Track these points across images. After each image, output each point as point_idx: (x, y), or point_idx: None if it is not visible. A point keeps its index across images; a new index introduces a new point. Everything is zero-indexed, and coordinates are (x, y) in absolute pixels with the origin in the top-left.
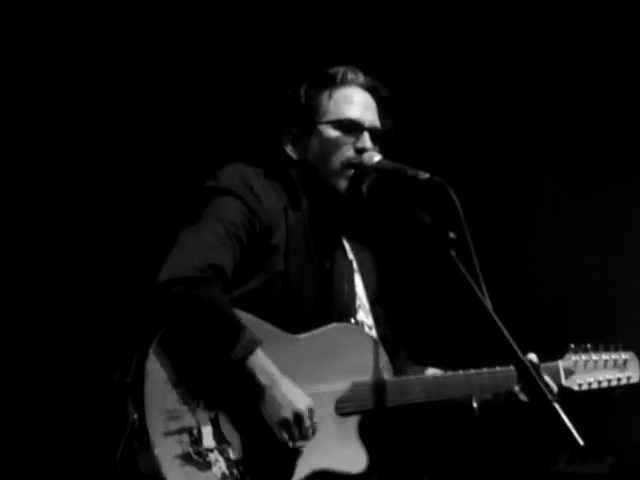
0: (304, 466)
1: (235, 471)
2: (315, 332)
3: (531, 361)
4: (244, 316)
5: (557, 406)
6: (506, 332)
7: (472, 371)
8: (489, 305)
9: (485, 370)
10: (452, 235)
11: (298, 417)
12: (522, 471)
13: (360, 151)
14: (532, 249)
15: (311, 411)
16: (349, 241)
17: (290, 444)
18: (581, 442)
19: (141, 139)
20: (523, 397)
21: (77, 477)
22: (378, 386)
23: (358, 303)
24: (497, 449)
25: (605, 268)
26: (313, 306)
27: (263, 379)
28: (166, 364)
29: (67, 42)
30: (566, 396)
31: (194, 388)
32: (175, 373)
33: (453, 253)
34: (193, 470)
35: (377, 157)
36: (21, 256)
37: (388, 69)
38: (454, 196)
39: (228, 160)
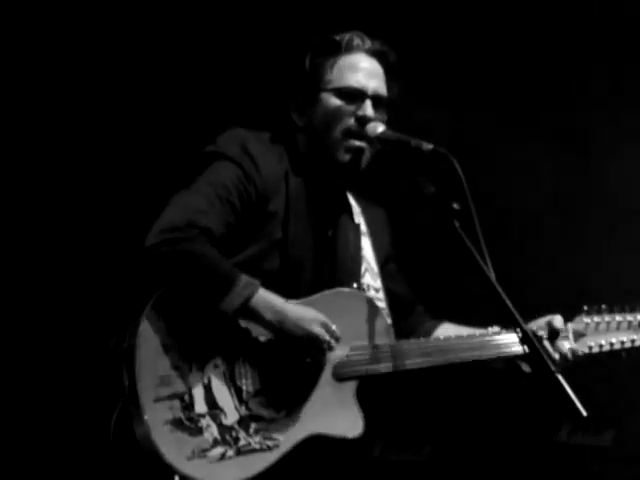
0: (301, 430)
1: (228, 436)
2: (313, 297)
3: (534, 332)
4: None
5: (560, 377)
6: (509, 303)
7: (476, 334)
8: (492, 276)
9: (489, 332)
10: (456, 206)
11: (324, 324)
12: (524, 442)
13: (361, 119)
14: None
15: (325, 324)
16: (360, 201)
17: (331, 343)
18: (584, 413)
19: (146, 105)
20: (526, 368)
21: (74, 441)
22: (375, 351)
23: (365, 267)
24: (499, 420)
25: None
26: (315, 273)
27: (269, 314)
28: (159, 329)
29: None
30: (577, 359)
31: (187, 353)
32: (168, 338)
33: (457, 224)
34: (184, 436)
35: (381, 127)
36: (14, 237)
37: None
38: (458, 167)
39: (238, 124)
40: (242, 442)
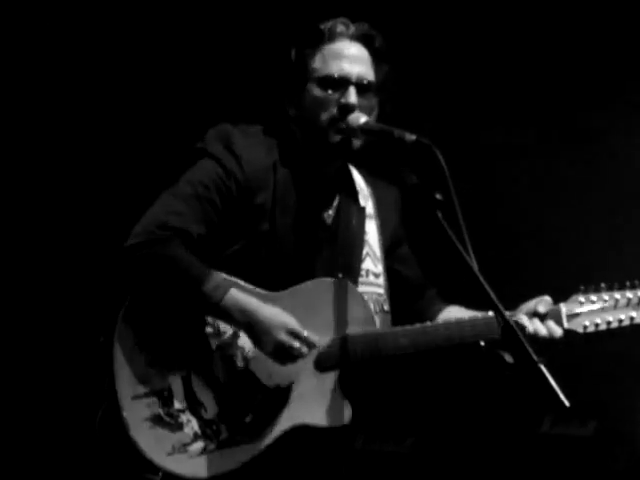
0: (284, 421)
1: (209, 430)
2: (296, 287)
3: (517, 322)
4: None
5: (543, 367)
6: (492, 293)
7: (452, 320)
8: (475, 266)
9: (466, 318)
10: (438, 196)
11: (292, 332)
12: (507, 432)
13: (343, 107)
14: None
15: (294, 332)
16: (371, 181)
17: (299, 356)
18: (567, 403)
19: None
20: (508, 358)
21: (65, 439)
22: (357, 341)
23: (366, 251)
24: (482, 410)
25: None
26: (312, 261)
27: (239, 316)
28: (135, 327)
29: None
30: (571, 339)
31: (164, 350)
32: (144, 336)
33: (439, 214)
34: (164, 432)
35: (363, 118)
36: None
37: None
38: (441, 157)
39: (234, 117)
40: (223, 435)
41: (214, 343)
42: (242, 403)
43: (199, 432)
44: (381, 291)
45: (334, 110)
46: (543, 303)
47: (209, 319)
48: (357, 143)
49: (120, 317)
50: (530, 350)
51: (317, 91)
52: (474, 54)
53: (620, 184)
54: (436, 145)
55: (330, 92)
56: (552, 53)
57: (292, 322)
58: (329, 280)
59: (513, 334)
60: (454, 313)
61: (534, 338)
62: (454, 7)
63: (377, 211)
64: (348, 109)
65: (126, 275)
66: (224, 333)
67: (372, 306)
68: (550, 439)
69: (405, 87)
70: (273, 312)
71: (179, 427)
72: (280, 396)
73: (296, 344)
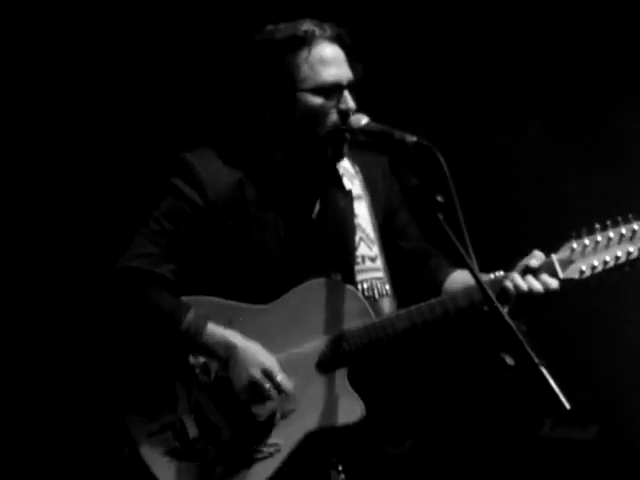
0: (299, 429)
1: (228, 453)
2: (286, 295)
3: (519, 325)
4: (206, 300)
5: (544, 370)
6: (494, 298)
7: (445, 296)
8: (476, 268)
9: (460, 289)
10: (439, 198)
11: (265, 372)
12: (508, 435)
13: (344, 113)
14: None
15: (269, 373)
16: (358, 156)
17: (267, 398)
18: (568, 406)
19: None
20: (509, 360)
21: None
22: (356, 335)
23: (359, 236)
24: (483, 412)
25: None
26: (301, 266)
27: (221, 351)
28: (134, 367)
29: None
30: (571, 287)
31: (167, 383)
32: (145, 373)
33: (440, 216)
34: (184, 463)
35: (364, 120)
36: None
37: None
38: (442, 159)
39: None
40: (243, 455)
41: (213, 369)
42: (251, 422)
43: (219, 456)
44: (380, 275)
45: (333, 117)
46: (534, 258)
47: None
48: (345, 151)
49: (119, 357)
50: (531, 352)
51: (313, 100)
52: (475, 52)
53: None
54: (437, 146)
55: (326, 100)
56: (553, 52)
57: (270, 362)
58: (319, 280)
59: (514, 337)
60: (460, 278)
61: (530, 296)
62: (456, 5)
63: (366, 188)
64: (349, 114)
65: (107, 318)
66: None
67: (373, 293)
68: (551, 441)
69: (404, 85)
70: (254, 350)
71: (197, 456)
72: (292, 407)
73: (267, 385)
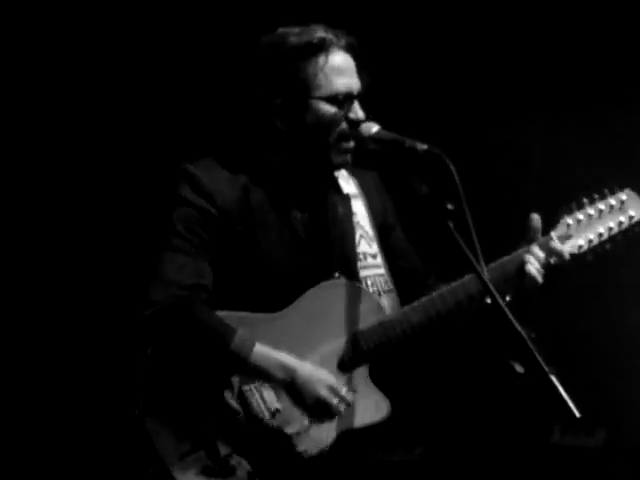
0: (329, 434)
1: (261, 465)
2: (297, 301)
3: (529, 334)
4: (223, 314)
5: (553, 377)
6: (503, 304)
7: (453, 284)
8: (487, 276)
9: (466, 278)
10: (450, 206)
11: (331, 388)
12: (517, 442)
13: (353, 122)
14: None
15: (334, 389)
16: (350, 169)
17: (336, 414)
18: (577, 414)
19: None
20: (519, 368)
21: None
22: (370, 333)
23: (360, 234)
24: (492, 420)
25: None
26: (309, 268)
27: (280, 374)
28: (158, 388)
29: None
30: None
31: (194, 400)
32: (172, 393)
33: (451, 224)
34: None
35: (375, 128)
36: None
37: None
38: (452, 167)
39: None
40: (275, 467)
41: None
42: (285, 429)
43: (252, 470)
44: (381, 271)
45: (343, 125)
46: (535, 228)
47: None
48: (350, 160)
49: (142, 381)
50: (541, 360)
51: (326, 108)
52: (480, 54)
53: None
54: (447, 154)
55: (338, 109)
56: (555, 51)
57: (332, 379)
58: (327, 283)
59: (524, 345)
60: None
61: (554, 267)
62: (461, 7)
63: (360, 189)
64: (358, 123)
65: (152, 342)
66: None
67: (376, 289)
68: (560, 449)
69: (409, 91)
70: (314, 368)
71: (232, 472)
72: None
73: (335, 401)
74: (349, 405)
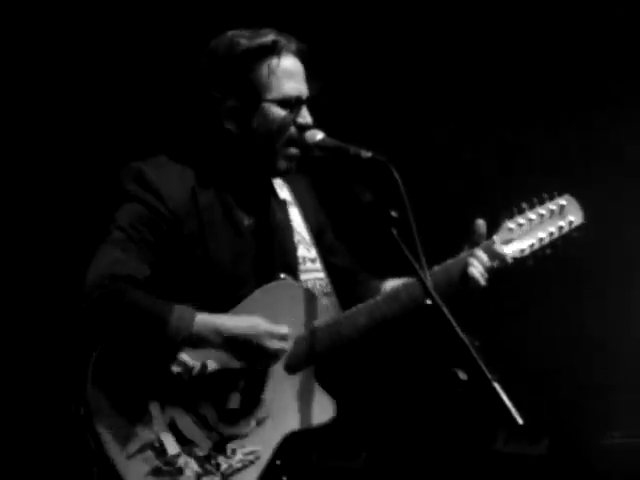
0: (275, 433)
1: (209, 466)
2: (245, 301)
3: (472, 341)
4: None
5: (496, 385)
6: (446, 310)
7: (399, 286)
8: (430, 284)
9: (411, 281)
10: (394, 214)
11: (273, 334)
12: (460, 450)
13: (301, 127)
14: None
15: (270, 333)
16: (284, 179)
17: (284, 348)
18: (520, 421)
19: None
20: (462, 375)
21: None
22: (317, 334)
23: (297, 239)
24: (436, 427)
25: None
26: (254, 271)
27: (215, 338)
28: (106, 387)
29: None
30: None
31: (141, 402)
32: (118, 393)
33: (395, 231)
34: None
35: (319, 135)
36: None
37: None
38: (397, 175)
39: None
40: (224, 466)
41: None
42: (230, 430)
43: (200, 470)
44: (321, 275)
45: (291, 129)
46: (479, 233)
47: (176, 358)
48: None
49: (88, 380)
50: (484, 368)
51: (276, 111)
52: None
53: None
54: (392, 162)
55: (288, 112)
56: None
57: (267, 325)
58: (273, 284)
59: (467, 352)
60: (393, 285)
61: (497, 271)
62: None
63: (294, 197)
64: (306, 128)
65: (90, 333)
66: (193, 368)
67: (316, 292)
68: (504, 456)
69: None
70: (244, 320)
71: (180, 472)
72: (263, 412)
73: (280, 345)
74: (284, 339)
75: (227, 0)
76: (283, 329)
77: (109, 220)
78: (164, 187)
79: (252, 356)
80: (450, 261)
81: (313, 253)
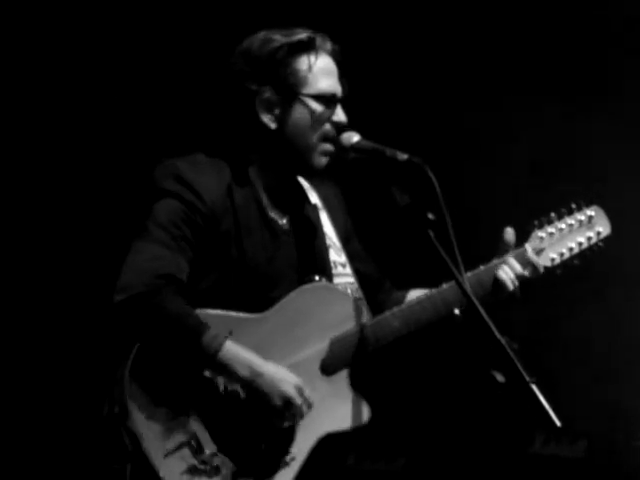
0: (310, 435)
1: (245, 465)
2: (281, 302)
3: (510, 342)
4: (205, 312)
5: (534, 387)
6: (485, 314)
7: (432, 292)
8: (468, 287)
9: (444, 287)
10: (431, 216)
11: (297, 387)
12: (498, 452)
13: (337, 125)
14: None
15: (300, 389)
16: (314, 184)
17: (302, 408)
18: (558, 423)
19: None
20: (500, 378)
21: None
22: (355, 335)
23: (328, 243)
24: (474, 430)
25: None
26: (286, 272)
27: (243, 372)
28: (146, 385)
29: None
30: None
31: (179, 400)
32: (156, 392)
33: (431, 234)
34: (203, 479)
35: (356, 137)
36: None
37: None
38: (433, 177)
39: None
40: (259, 467)
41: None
42: (264, 432)
43: (237, 470)
44: (352, 280)
45: (327, 126)
46: (509, 243)
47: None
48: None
49: (126, 378)
50: (522, 369)
51: (313, 106)
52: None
53: None
54: (428, 164)
55: (323, 108)
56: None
57: (296, 379)
58: (309, 286)
59: (505, 355)
60: (417, 294)
61: (527, 279)
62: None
63: (323, 203)
64: (341, 127)
65: (122, 329)
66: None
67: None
68: (541, 459)
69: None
70: (278, 368)
71: (216, 471)
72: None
73: (299, 401)
74: (310, 407)
75: (255, 4)
76: (309, 393)
77: (145, 216)
78: (200, 183)
79: (273, 400)
80: (482, 268)
81: (343, 258)
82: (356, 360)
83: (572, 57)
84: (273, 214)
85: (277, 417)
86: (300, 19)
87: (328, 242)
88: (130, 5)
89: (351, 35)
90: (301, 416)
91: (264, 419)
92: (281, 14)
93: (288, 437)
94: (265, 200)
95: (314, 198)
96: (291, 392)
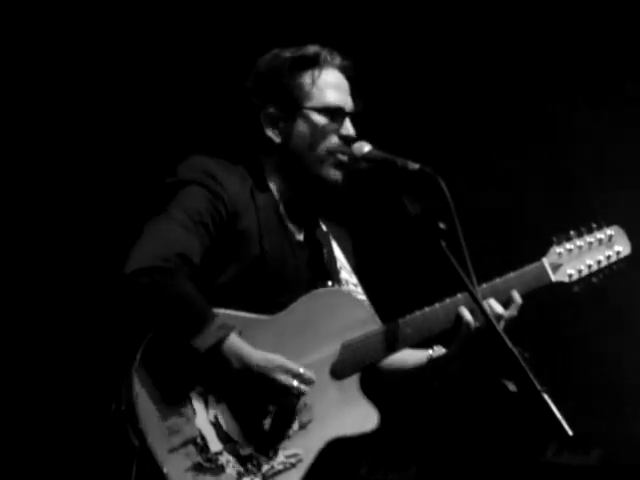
0: (318, 438)
1: (250, 465)
2: (293, 305)
3: (522, 352)
4: (217, 311)
5: (546, 396)
6: (497, 325)
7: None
8: (480, 297)
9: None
10: (442, 226)
11: (289, 371)
12: (511, 461)
13: (345, 138)
14: None
15: (286, 370)
16: (324, 221)
17: (299, 395)
18: (570, 432)
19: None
20: (512, 387)
21: None
22: (366, 341)
23: (339, 265)
24: (486, 439)
25: None
26: (297, 279)
27: (235, 364)
28: (152, 381)
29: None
30: (561, 291)
31: (185, 397)
32: (163, 388)
33: (443, 244)
34: (208, 477)
35: (367, 147)
36: None
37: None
38: (444, 187)
39: (191, 150)
40: (265, 467)
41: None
42: (272, 432)
43: (242, 470)
44: (364, 297)
45: (333, 139)
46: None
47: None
48: (343, 179)
49: (134, 374)
50: (533, 378)
51: (317, 119)
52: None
53: None
54: (439, 174)
55: (329, 122)
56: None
57: (287, 362)
58: (322, 290)
59: (517, 364)
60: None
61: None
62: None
63: (332, 235)
64: (349, 140)
65: (128, 302)
66: None
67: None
68: (554, 467)
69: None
70: (266, 356)
71: (221, 470)
72: (308, 416)
73: (294, 383)
74: (311, 382)
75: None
76: (300, 368)
77: (169, 200)
78: (225, 178)
79: (266, 390)
80: (498, 280)
81: (354, 279)
82: (367, 366)
83: (602, 60)
84: (291, 226)
85: (272, 402)
86: (315, 36)
87: (339, 264)
88: (146, 15)
89: (363, 44)
90: (300, 394)
91: (271, 413)
92: (299, 32)
93: (295, 435)
94: (282, 210)
95: (325, 228)
96: (281, 377)
